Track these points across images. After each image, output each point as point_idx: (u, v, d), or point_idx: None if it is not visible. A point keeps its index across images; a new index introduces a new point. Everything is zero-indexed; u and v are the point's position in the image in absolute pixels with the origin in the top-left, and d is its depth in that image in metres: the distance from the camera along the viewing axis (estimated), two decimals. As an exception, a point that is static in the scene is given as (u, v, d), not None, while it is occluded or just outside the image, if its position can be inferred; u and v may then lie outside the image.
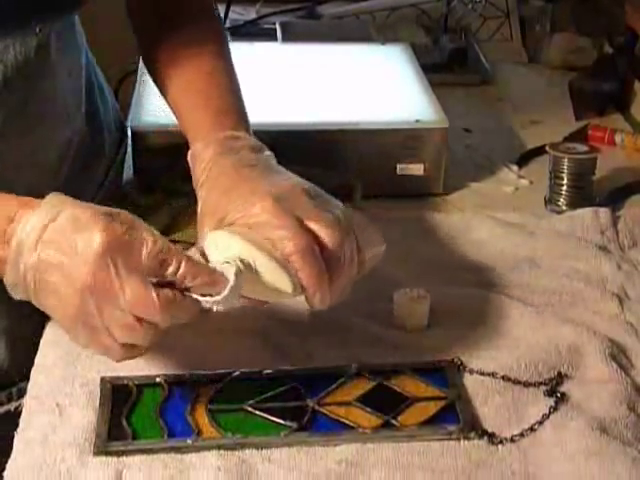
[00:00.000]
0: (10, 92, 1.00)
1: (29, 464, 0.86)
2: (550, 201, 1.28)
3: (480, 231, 1.21)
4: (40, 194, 0.86)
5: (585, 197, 1.26)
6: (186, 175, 1.00)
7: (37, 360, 0.99)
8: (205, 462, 0.86)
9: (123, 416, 0.90)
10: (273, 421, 0.90)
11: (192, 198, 0.99)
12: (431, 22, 1.82)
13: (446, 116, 1.31)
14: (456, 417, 0.91)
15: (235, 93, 1.07)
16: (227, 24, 1.77)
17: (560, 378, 0.95)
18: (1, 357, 1.08)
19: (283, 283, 0.87)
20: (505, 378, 0.95)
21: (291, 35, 1.69)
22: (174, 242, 1.10)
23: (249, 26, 1.82)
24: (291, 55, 1.56)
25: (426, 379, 0.95)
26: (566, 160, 1.25)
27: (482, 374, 0.96)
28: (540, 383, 0.95)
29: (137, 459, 0.86)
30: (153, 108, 1.30)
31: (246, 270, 0.85)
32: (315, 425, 0.90)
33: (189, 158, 1.00)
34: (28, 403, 0.93)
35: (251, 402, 0.91)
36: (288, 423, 0.89)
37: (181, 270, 0.82)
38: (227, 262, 0.85)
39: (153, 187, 1.24)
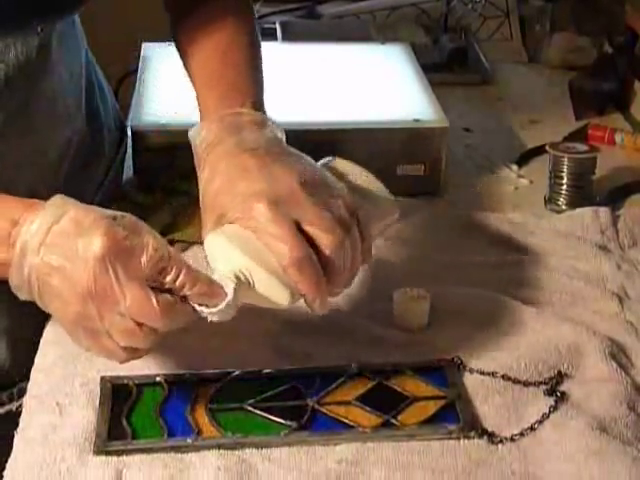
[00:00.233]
0: (11, 92, 1.00)
1: (29, 463, 0.86)
2: (550, 201, 1.28)
3: (480, 231, 1.21)
4: (40, 193, 0.86)
5: (585, 197, 1.26)
6: (186, 174, 1.00)
7: (37, 359, 0.99)
8: (205, 461, 0.86)
9: (123, 415, 0.90)
10: (273, 420, 0.90)
11: (192, 197, 0.98)
12: (431, 22, 1.82)
13: (446, 116, 1.31)
14: (456, 416, 0.91)
15: (249, 69, 1.06)
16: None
17: (560, 377, 0.95)
18: (2, 357, 1.08)
19: (281, 296, 0.87)
20: (505, 377, 0.95)
21: (291, 35, 1.69)
22: (174, 241, 1.11)
23: (249, 26, 1.82)
24: (291, 55, 1.55)
25: (426, 378, 0.95)
26: (566, 160, 1.25)
27: (482, 373, 0.96)
28: (540, 382, 0.95)
29: (137, 458, 0.86)
30: (153, 108, 1.30)
31: (244, 285, 0.86)
32: (315, 424, 0.90)
33: (189, 136, 0.98)
34: (28, 402, 0.93)
35: (251, 401, 0.91)
36: (288, 422, 0.89)
37: (180, 279, 0.82)
38: (227, 276, 0.85)
39: (153, 186, 1.23)
